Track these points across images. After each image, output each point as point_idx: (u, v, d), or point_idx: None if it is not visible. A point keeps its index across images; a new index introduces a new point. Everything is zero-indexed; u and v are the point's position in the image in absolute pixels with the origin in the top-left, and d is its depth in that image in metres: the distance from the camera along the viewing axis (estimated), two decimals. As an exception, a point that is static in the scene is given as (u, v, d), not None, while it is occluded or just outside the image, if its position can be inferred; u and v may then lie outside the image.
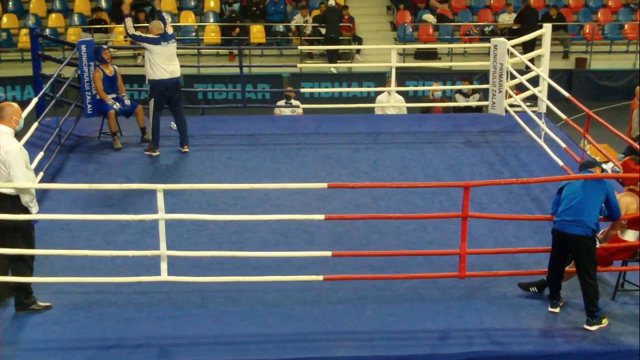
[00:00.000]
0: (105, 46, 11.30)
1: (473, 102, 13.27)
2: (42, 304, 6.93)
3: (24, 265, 6.85)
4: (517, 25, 19.36)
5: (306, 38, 19.74)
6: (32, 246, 6.89)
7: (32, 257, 6.94)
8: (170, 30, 10.39)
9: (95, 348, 6.43)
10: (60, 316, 6.84)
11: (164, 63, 10.29)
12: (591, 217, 6.67)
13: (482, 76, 15.51)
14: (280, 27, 20.20)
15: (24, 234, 6.80)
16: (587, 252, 6.68)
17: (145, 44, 10.27)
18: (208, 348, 6.46)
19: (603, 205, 6.80)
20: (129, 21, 10.45)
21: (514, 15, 20.07)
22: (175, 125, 10.93)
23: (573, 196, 6.77)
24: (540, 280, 7.16)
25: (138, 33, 10.35)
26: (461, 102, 13.52)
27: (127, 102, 10.97)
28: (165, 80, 10.30)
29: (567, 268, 7.01)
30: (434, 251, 7.71)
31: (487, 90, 12.01)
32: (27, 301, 6.87)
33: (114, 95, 10.88)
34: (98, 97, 10.83)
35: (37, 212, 6.86)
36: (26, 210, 6.74)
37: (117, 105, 10.77)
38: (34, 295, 6.92)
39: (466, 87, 13.57)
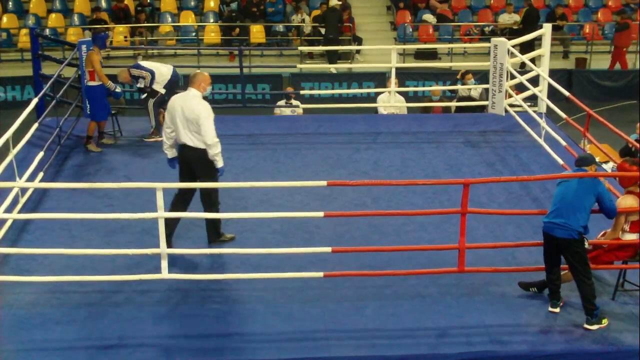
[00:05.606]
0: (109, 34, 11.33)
1: (475, 93, 13.12)
2: (229, 235, 7.95)
3: (212, 203, 7.75)
4: (520, 25, 19.34)
5: (306, 38, 19.74)
6: (216, 189, 7.83)
7: (217, 193, 7.81)
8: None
9: (95, 348, 6.43)
10: (61, 316, 6.83)
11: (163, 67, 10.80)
12: (578, 220, 6.65)
13: (482, 76, 15.49)
14: (280, 27, 20.20)
15: (214, 178, 7.71)
16: (576, 254, 6.67)
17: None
18: (208, 348, 6.46)
19: (596, 203, 6.79)
20: (140, 83, 10.67)
21: (514, 15, 20.06)
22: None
23: (562, 197, 6.76)
24: (541, 280, 7.15)
25: (148, 69, 10.58)
26: (463, 93, 13.37)
27: (118, 89, 10.75)
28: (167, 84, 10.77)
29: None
30: (433, 246, 7.69)
31: (487, 89, 12.00)
32: (220, 230, 7.91)
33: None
34: (93, 82, 10.47)
35: (222, 165, 7.67)
36: (212, 162, 7.58)
37: (118, 89, 10.56)
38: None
39: (468, 87, 13.51)
